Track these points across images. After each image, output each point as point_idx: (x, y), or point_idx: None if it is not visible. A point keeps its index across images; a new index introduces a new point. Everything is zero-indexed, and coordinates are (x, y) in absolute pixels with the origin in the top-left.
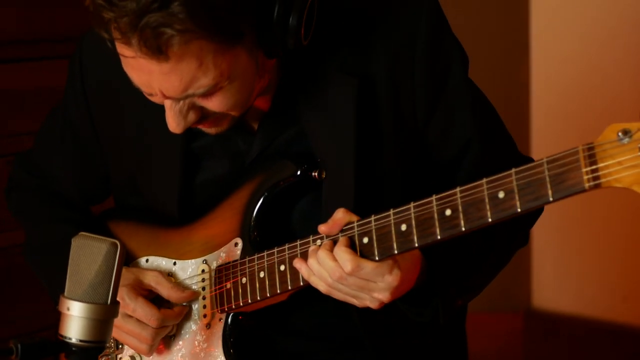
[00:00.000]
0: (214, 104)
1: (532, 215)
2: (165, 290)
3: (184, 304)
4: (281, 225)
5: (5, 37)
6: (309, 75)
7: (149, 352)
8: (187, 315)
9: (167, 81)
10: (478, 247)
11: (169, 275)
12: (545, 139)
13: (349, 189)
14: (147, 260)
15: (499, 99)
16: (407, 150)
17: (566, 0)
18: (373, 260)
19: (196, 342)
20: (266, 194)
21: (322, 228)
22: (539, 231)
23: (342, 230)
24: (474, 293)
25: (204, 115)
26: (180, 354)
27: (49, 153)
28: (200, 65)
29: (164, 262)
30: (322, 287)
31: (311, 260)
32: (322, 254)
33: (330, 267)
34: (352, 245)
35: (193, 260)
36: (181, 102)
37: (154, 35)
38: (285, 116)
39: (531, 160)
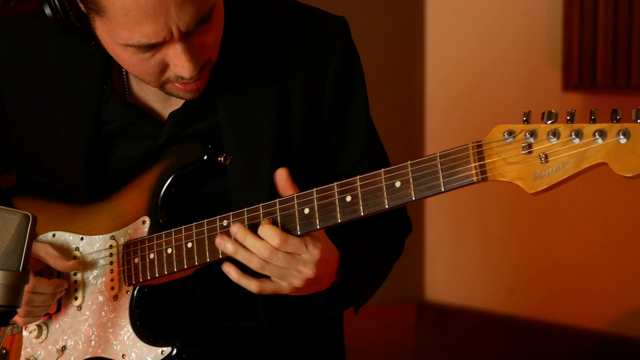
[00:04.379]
0: (212, 34)
1: (403, 213)
2: (52, 259)
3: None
4: (187, 206)
5: None
6: (231, 76)
7: (25, 316)
8: (94, 288)
9: (183, 10)
10: (377, 249)
11: (76, 250)
12: (438, 138)
13: (264, 182)
14: (53, 235)
15: (394, 99)
16: (314, 154)
17: (461, 5)
18: None
19: (103, 313)
20: (174, 175)
21: (281, 171)
22: (432, 226)
23: (247, 212)
24: (372, 292)
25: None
26: (87, 324)
27: None
28: None
29: (70, 237)
30: (255, 265)
31: (237, 249)
32: (248, 236)
33: (258, 246)
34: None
35: (101, 236)
36: (192, 41)
37: None
38: (199, 110)
39: None
